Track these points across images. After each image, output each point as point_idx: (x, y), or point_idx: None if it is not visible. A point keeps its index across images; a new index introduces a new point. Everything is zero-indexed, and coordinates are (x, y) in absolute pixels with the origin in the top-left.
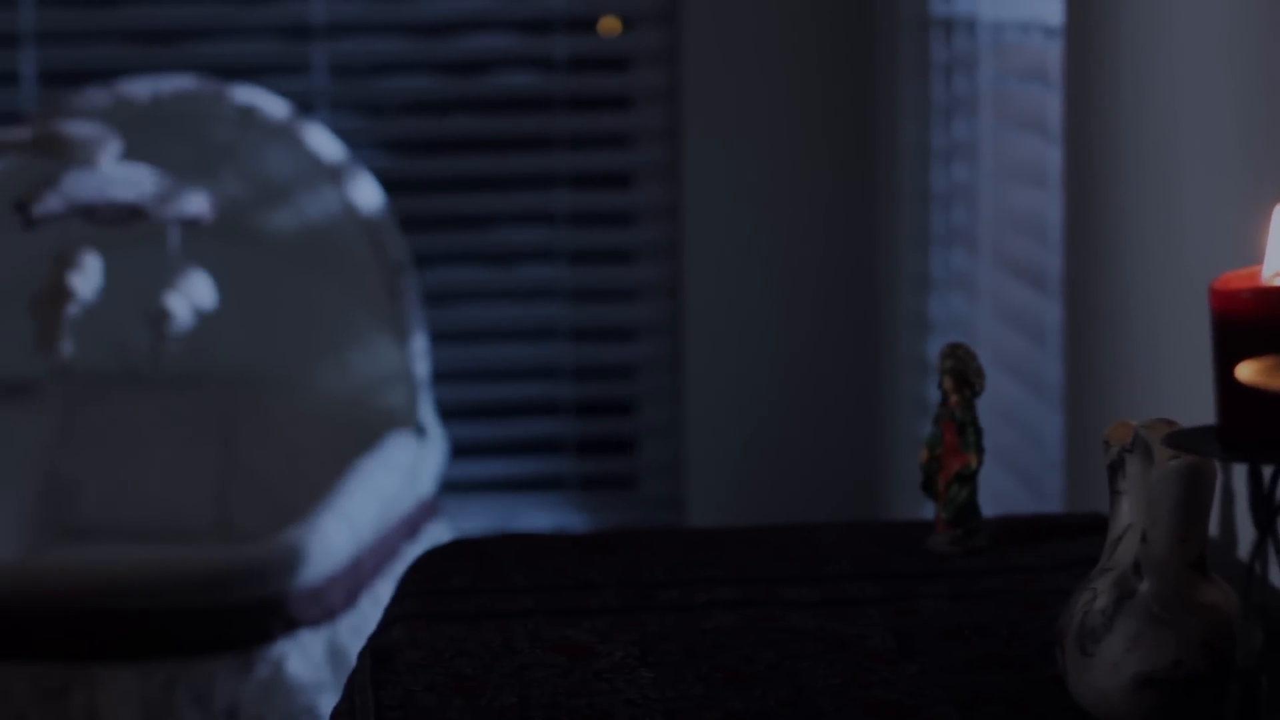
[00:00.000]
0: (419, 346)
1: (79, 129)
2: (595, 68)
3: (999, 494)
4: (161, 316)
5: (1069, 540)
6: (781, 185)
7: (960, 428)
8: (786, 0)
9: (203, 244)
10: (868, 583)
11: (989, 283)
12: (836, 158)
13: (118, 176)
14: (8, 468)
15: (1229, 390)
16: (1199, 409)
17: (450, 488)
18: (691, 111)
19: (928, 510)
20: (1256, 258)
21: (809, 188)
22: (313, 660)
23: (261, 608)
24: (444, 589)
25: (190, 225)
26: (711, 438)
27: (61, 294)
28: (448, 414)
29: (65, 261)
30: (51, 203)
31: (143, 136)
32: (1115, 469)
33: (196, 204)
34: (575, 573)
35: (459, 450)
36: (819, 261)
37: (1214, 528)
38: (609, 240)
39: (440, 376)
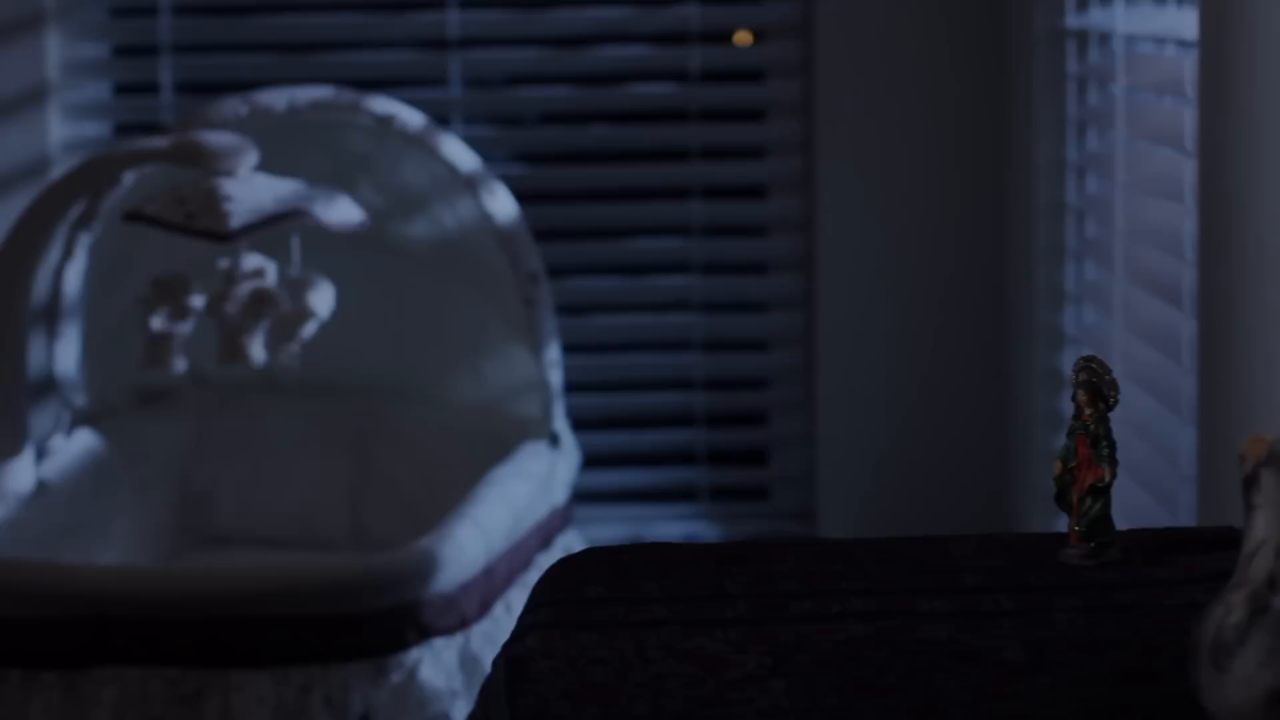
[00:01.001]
0: (553, 356)
1: (217, 139)
2: (729, 79)
3: (1132, 508)
4: (292, 321)
5: (1202, 554)
6: (914, 197)
7: (1094, 441)
8: (920, 12)
9: (339, 253)
10: (1001, 595)
11: (1122, 296)
12: (969, 170)
13: (265, 186)
14: (145, 475)
15: None
16: None
17: (582, 497)
18: (824, 123)
19: (1061, 523)
20: None
21: (942, 200)
22: (446, 668)
23: (396, 615)
24: (578, 598)
25: (344, 231)
26: (843, 449)
27: (304, 314)
28: (580, 424)
29: (304, 284)
30: (242, 215)
31: (279, 146)
32: (1250, 484)
33: (348, 211)
34: (708, 583)
35: (591, 460)
36: (951, 274)
37: None
38: (742, 252)
39: (573, 386)
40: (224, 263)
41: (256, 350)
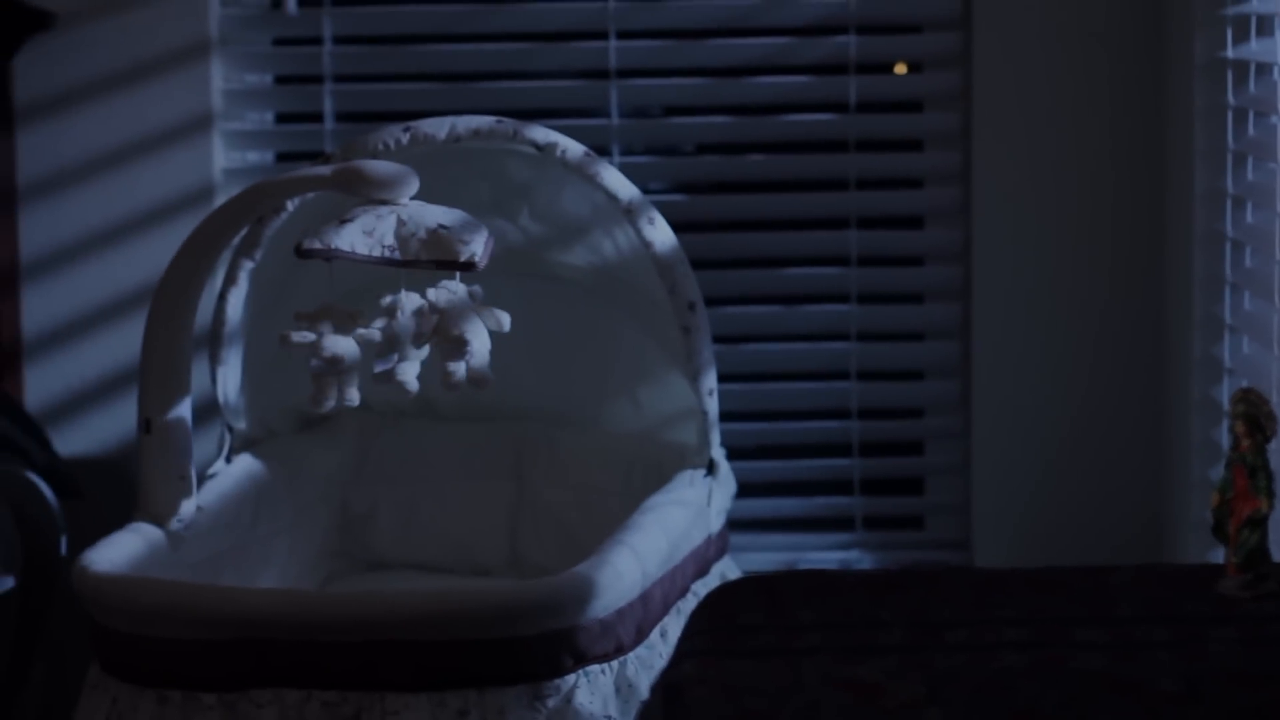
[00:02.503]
0: (710, 384)
1: (379, 167)
2: (887, 109)
3: None
4: (459, 346)
5: None
6: (1071, 227)
7: (1251, 472)
8: (1078, 43)
9: (497, 279)
10: (1157, 626)
11: None
12: (1126, 200)
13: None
14: (305, 500)
15: None
16: None
17: (737, 525)
18: (981, 154)
19: (1218, 554)
20: None
21: (1098, 230)
22: (602, 694)
23: (553, 640)
24: (734, 625)
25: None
26: (999, 478)
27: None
28: (737, 452)
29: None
30: (483, 245)
31: (440, 175)
32: None
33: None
34: (864, 611)
35: (747, 488)
36: (1108, 303)
37: None
38: (899, 281)
39: (730, 415)
40: (388, 298)
41: (410, 378)
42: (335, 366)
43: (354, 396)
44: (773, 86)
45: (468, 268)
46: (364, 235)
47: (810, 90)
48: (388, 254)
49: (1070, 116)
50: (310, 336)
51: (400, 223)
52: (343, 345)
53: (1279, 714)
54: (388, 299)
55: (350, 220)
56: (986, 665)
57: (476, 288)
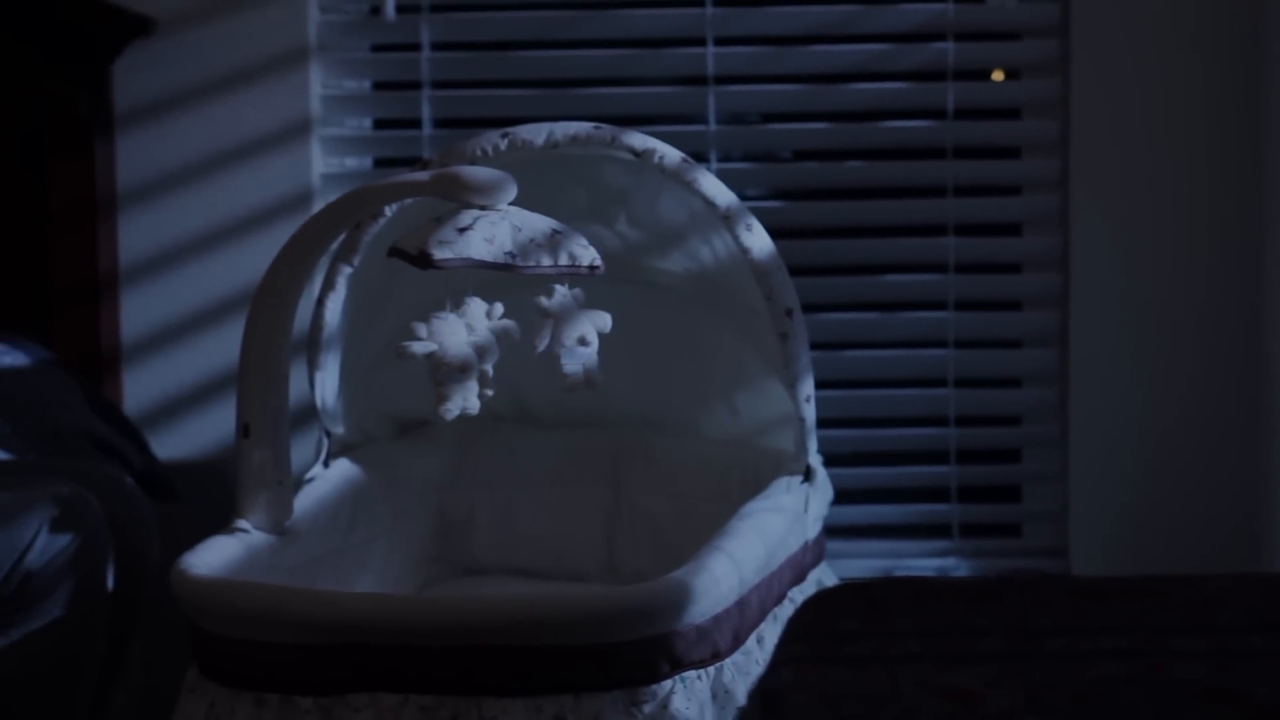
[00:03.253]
0: (808, 391)
1: (478, 173)
2: (985, 116)
3: None
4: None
5: None
6: (1168, 234)
7: None
8: (1175, 50)
9: (595, 285)
10: (1256, 635)
11: None
12: (1223, 206)
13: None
14: (402, 505)
15: None
16: None
17: (834, 531)
18: (1079, 160)
19: None
20: None
21: (1196, 237)
22: (698, 699)
23: (649, 646)
24: (832, 632)
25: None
26: (1096, 486)
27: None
28: (834, 459)
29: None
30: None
31: (537, 180)
32: None
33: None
34: (962, 619)
35: (844, 494)
36: (1205, 310)
37: None
38: (997, 288)
39: (827, 421)
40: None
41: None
42: (463, 373)
43: (475, 404)
44: (870, 92)
45: (593, 271)
46: (485, 243)
47: (908, 96)
48: (510, 260)
49: (1167, 122)
50: (431, 346)
51: (515, 229)
52: (465, 351)
53: None
54: (543, 300)
55: (469, 228)
56: (1084, 674)
57: (579, 291)
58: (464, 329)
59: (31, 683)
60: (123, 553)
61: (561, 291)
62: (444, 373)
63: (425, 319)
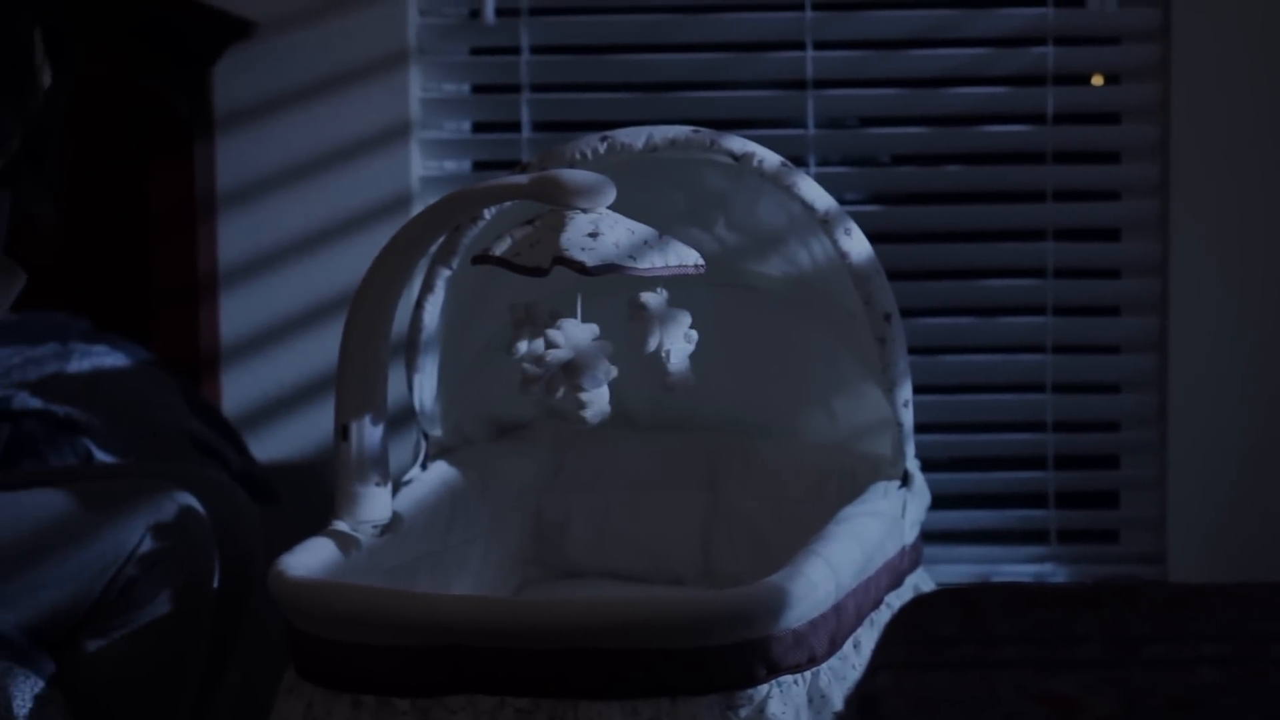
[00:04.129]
0: (906, 396)
1: (577, 176)
2: (1085, 121)
3: None
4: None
5: None
6: (1268, 239)
7: None
8: (1276, 56)
9: (694, 289)
10: None
11: None
12: None
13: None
14: (500, 507)
15: None
16: None
17: (931, 537)
18: (1179, 166)
19: None
20: None
21: None
22: (794, 704)
23: (746, 650)
24: (930, 637)
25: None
26: (1195, 493)
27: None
28: (931, 464)
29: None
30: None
31: (636, 184)
32: None
33: (684, 256)
34: (1060, 624)
35: (941, 500)
36: None
37: None
38: (1096, 293)
39: (924, 426)
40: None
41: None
42: (604, 376)
43: (608, 407)
44: (970, 97)
45: (698, 270)
46: (614, 246)
47: (1007, 101)
48: (631, 262)
49: (1269, 127)
50: (568, 354)
51: (630, 231)
52: (600, 353)
53: None
54: (647, 301)
55: (597, 233)
56: (1183, 680)
57: (664, 291)
58: (592, 332)
59: (135, 685)
60: (226, 554)
61: (659, 293)
62: (584, 377)
63: (539, 326)
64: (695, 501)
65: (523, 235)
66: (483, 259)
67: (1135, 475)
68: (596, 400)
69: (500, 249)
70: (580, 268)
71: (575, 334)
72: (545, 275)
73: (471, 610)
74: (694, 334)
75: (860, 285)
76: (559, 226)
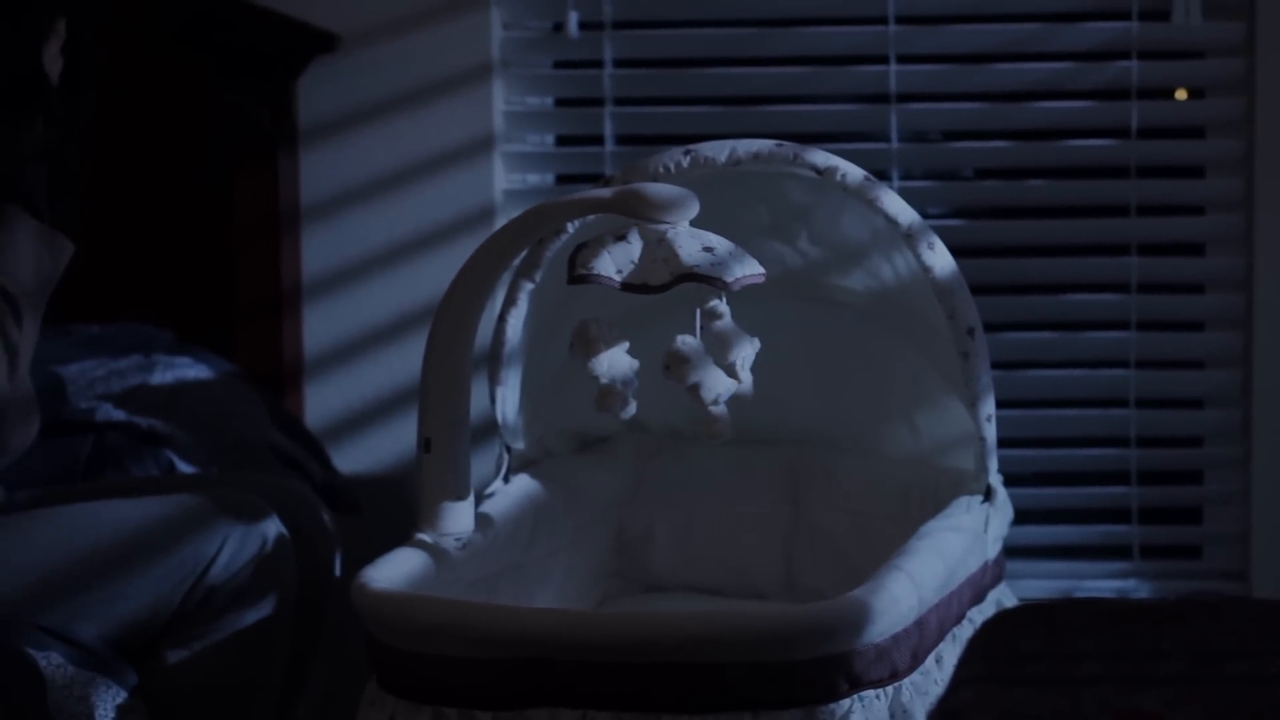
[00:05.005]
0: (989, 410)
1: (660, 190)
2: (1169, 135)
3: None
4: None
5: None
6: None
7: None
8: None
9: (776, 302)
10: None
11: None
12: None
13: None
14: (582, 520)
15: None
16: None
17: (1013, 552)
18: (1264, 180)
19: None
20: None
21: None
22: (876, 718)
23: (828, 664)
24: (1013, 652)
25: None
26: (1278, 508)
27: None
28: (1013, 479)
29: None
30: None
31: (719, 198)
32: None
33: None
34: (1143, 640)
35: (1023, 515)
36: None
37: None
38: (1180, 308)
39: (1006, 441)
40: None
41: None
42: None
43: (630, 409)
44: (1053, 111)
45: (763, 279)
46: (735, 260)
47: (1091, 115)
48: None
49: None
50: (618, 403)
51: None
52: (625, 365)
53: None
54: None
55: (714, 248)
56: (1267, 697)
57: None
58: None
59: (216, 695)
60: (306, 566)
61: (722, 306)
62: (717, 394)
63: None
64: (777, 515)
65: (621, 251)
66: (585, 279)
67: (1219, 490)
68: (721, 419)
69: (600, 267)
70: (721, 284)
71: (699, 353)
72: (660, 292)
73: (554, 623)
74: (752, 352)
75: (944, 299)
76: (661, 242)
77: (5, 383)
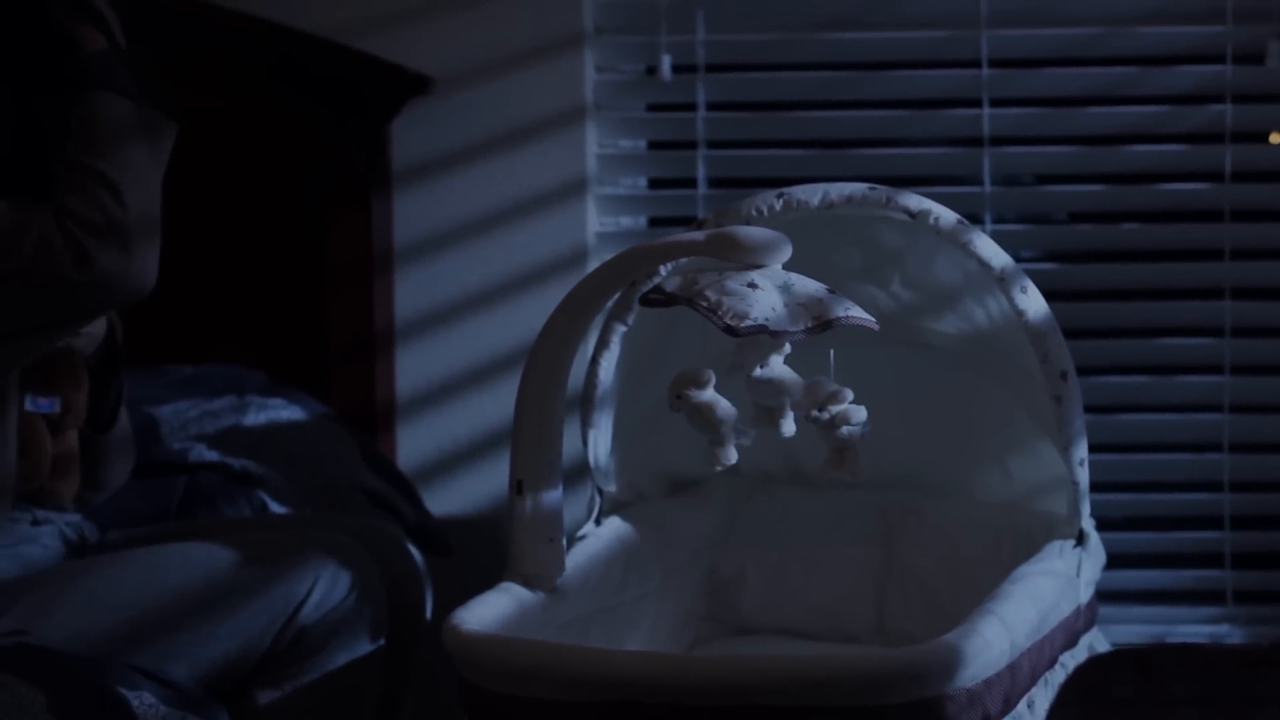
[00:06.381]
0: (1081, 454)
1: (753, 233)
2: (1263, 179)
3: None
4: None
5: None
6: None
7: None
8: None
9: (868, 346)
10: None
11: None
12: None
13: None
14: (674, 563)
15: None
16: None
17: (1105, 596)
18: None
19: None
20: None
21: None
22: None
23: (920, 709)
24: (1105, 698)
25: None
26: None
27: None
28: (1105, 523)
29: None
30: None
31: (812, 241)
32: None
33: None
34: (1237, 686)
35: (1115, 559)
36: None
37: None
38: (1274, 353)
39: (1098, 485)
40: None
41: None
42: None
43: (731, 456)
44: (1147, 155)
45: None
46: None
47: (1185, 159)
48: (811, 323)
49: None
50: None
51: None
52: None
53: None
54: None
55: (835, 293)
56: None
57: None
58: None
59: None
60: (397, 607)
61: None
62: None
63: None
64: (869, 559)
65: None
66: (748, 332)
67: None
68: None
69: (756, 315)
70: (869, 328)
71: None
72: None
73: (645, 666)
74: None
75: (1036, 343)
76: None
77: (121, 262)
